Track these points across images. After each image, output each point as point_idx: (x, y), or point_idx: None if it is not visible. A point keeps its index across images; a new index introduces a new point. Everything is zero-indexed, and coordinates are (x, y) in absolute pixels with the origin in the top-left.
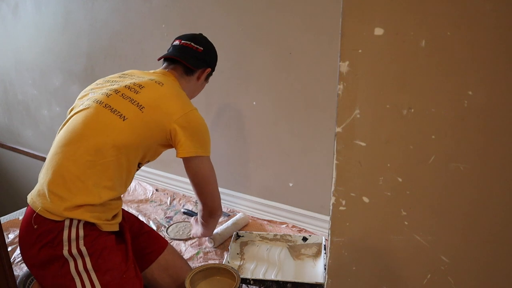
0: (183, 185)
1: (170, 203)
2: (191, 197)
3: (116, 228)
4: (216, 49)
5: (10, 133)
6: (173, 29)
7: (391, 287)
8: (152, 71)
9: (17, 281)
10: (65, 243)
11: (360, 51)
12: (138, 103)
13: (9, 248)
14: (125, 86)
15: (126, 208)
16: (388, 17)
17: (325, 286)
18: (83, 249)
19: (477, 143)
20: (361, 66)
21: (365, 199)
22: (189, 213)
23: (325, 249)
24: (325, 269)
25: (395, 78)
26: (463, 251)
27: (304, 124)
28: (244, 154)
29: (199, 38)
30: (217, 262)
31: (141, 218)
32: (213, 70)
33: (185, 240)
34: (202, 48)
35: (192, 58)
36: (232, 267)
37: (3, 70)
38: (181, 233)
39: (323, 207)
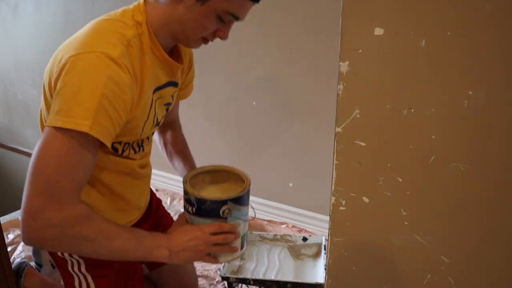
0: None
1: (170, 203)
2: None
3: None
4: (216, 49)
5: (10, 133)
6: None
7: (391, 287)
8: None
9: (12, 268)
10: None
11: (360, 51)
12: None
13: (9, 248)
14: None
15: None
16: (388, 17)
17: (325, 286)
18: (75, 255)
19: (477, 143)
20: (361, 66)
21: (365, 199)
22: None
23: (325, 249)
24: (325, 269)
25: (395, 78)
26: (463, 251)
27: (304, 124)
28: (244, 154)
29: None
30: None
31: None
32: None
33: None
34: None
35: None
36: (240, 170)
37: (3, 70)
38: None
39: (323, 207)
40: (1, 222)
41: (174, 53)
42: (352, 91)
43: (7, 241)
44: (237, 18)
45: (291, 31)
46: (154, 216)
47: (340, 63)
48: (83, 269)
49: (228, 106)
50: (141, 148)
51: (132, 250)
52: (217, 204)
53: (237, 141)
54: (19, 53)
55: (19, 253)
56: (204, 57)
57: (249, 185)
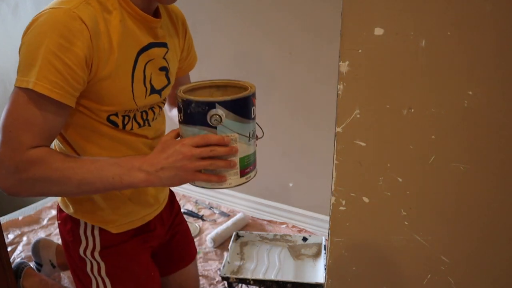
0: (183, 185)
1: None
2: (191, 197)
3: (130, 226)
4: (216, 49)
5: None
6: None
7: (391, 287)
8: None
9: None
10: (83, 241)
11: (360, 51)
12: None
13: (9, 248)
14: None
15: None
16: (388, 17)
17: (325, 286)
18: (98, 257)
19: (477, 143)
20: (361, 66)
21: (365, 199)
22: (189, 213)
23: (325, 249)
24: (325, 269)
25: (395, 78)
26: (463, 251)
27: (304, 124)
28: None
29: None
30: (216, 262)
31: None
32: None
33: None
34: None
35: None
36: (251, 83)
37: (3, 70)
38: None
39: (323, 207)
40: (1, 222)
41: (158, 16)
42: (352, 91)
43: (7, 241)
44: None
45: (291, 31)
46: (173, 222)
47: (340, 63)
48: (103, 273)
49: None
50: (146, 122)
51: (98, 182)
52: (203, 107)
53: None
54: None
55: (19, 253)
56: (204, 58)
57: (252, 93)
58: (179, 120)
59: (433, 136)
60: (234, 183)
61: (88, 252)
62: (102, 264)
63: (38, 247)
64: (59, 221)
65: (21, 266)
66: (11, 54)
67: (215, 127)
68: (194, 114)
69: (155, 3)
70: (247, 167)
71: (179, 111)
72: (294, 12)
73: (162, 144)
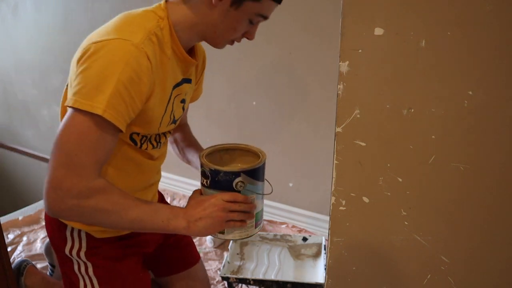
0: (183, 185)
1: (170, 203)
2: None
3: (113, 234)
4: (216, 50)
5: (10, 133)
6: None
7: (391, 287)
8: None
9: (13, 266)
10: (68, 241)
11: (360, 51)
12: None
13: (9, 248)
14: None
15: None
16: (388, 17)
17: (325, 286)
18: (84, 257)
19: (477, 143)
20: (361, 66)
21: (365, 199)
22: None
23: (325, 249)
24: (325, 269)
25: (395, 78)
26: (463, 251)
27: (304, 124)
28: None
29: None
30: (216, 262)
31: None
32: None
33: None
34: None
35: None
36: (257, 148)
37: (3, 70)
38: None
39: (323, 207)
40: (1, 222)
41: (191, 51)
42: (352, 91)
43: (7, 241)
44: (266, 18)
45: (291, 31)
46: None
47: (340, 63)
48: (90, 272)
49: (228, 106)
50: (159, 144)
51: (150, 221)
52: (230, 176)
53: (238, 141)
54: (19, 53)
55: (19, 253)
56: None
57: (264, 160)
58: (204, 184)
59: (433, 136)
60: (251, 233)
61: (74, 252)
62: (89, 264)
63: (50, 248)
64: (45, 219)
65: (23, 264)
66: (11, 54)
67: (239, 191)
68: (221, 181)
69: (194, 42)
70: (259, 220)
71: (206, 177)
72: (294, 12)
73: (195, 199)
